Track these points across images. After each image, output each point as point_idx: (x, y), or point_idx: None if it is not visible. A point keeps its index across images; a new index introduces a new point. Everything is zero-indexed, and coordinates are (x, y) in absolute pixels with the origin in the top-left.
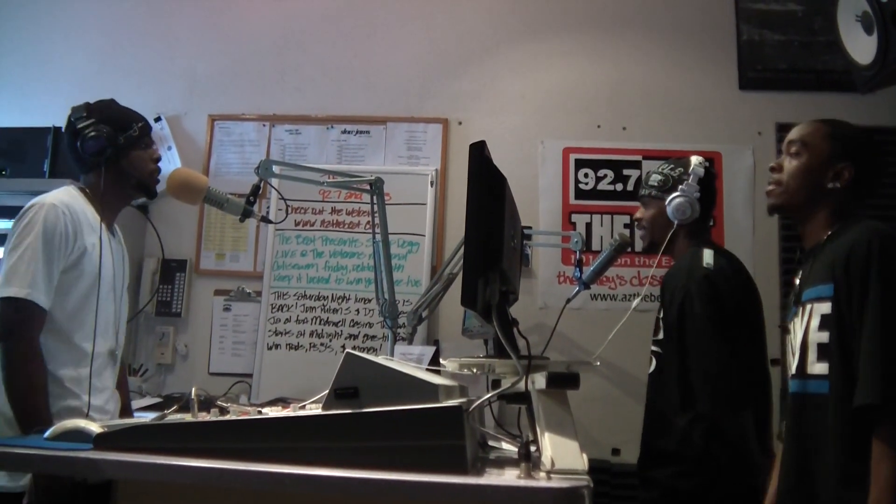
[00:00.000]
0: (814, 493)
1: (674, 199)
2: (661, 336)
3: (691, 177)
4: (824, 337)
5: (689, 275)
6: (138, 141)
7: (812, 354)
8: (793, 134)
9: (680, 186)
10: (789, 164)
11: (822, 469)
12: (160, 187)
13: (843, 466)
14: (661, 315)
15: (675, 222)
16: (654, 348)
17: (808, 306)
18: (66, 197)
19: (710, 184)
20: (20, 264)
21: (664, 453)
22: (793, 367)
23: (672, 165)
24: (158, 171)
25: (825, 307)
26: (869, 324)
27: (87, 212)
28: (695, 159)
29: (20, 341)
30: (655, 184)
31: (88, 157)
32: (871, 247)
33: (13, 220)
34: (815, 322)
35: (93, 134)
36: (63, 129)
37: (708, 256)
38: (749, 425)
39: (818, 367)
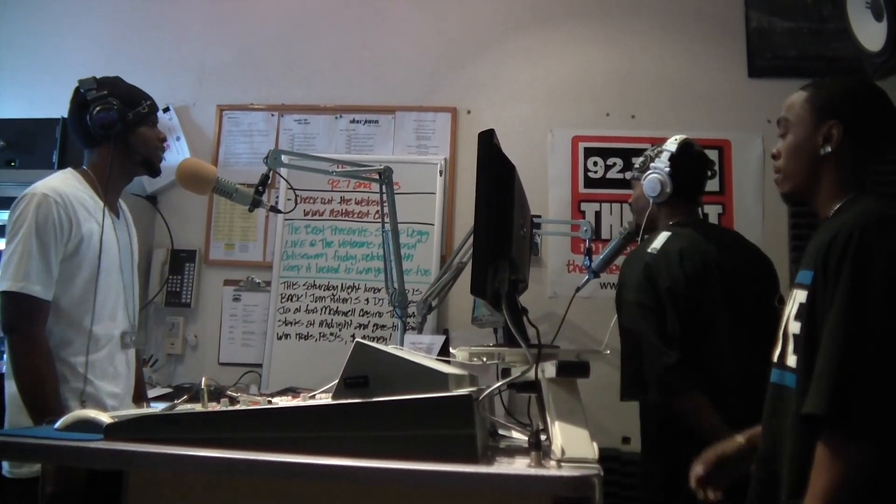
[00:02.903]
0: (774, 488)
1: (646, 177)
2: None
3: (663, 153)
4: (797, 328)
5: (629, 261)
6: (146, 118)
7: (790, 345)
8: (780, 113)
9: (651, 164)
10: (781, 145)
11: (782, 465)
12: (169, 177)
13: (795, 470)
14: None
15: (651, 200)
16: None
17: (793, 291)
18: (60, 184)
19: (685, 160)
20: (13, 258)
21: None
22: (775, 354)
23: (653, 147)
24: (164, 150)
25: (803, 296)
26: (831, 324)
27: (86, 196)
28: (673, 138)
29: (21, 335)
30: (637, 166)
31: (98, 129)
32: (852, 236)
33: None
34: (794, 310)
35: (104, 107)
36: (70, 102)
37: (659, 241)
38: (703, 408)
39: (791, 360)
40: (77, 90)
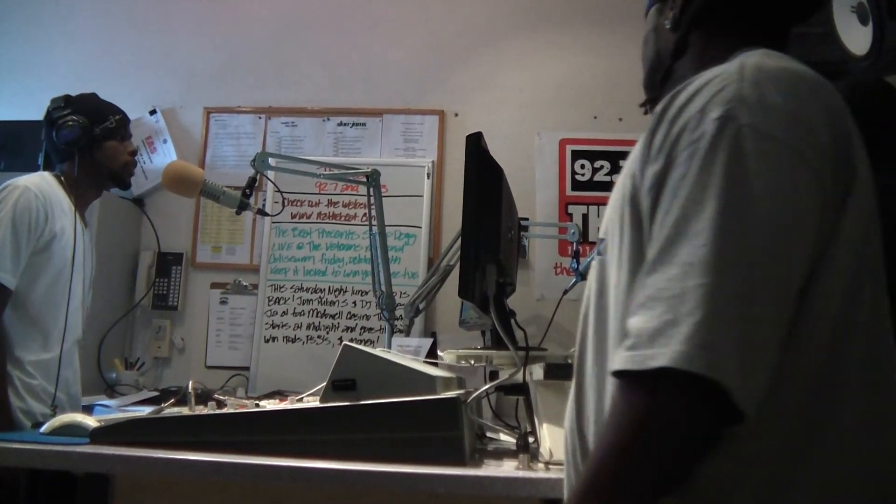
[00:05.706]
0: None
1: None
2: None
3: None
4: None
5: None
6: (114, 132)
7: None
8: None
9: None
10: None
11: None
12: (156, 180)
13: None
14: None
15: None
16: None
17: None
18: (40, 181)
19: None
20: None
21: None
22: None
23: None
24: (134, 164)
25: None
26: None
27: (62, 198)
28: None
29: None
30: None
31: (62, 145)
32: None
33: None
34: None
35: (68, 123)
36: (43, 119)
37: None
38: None
39: None
40: (48, 109)
